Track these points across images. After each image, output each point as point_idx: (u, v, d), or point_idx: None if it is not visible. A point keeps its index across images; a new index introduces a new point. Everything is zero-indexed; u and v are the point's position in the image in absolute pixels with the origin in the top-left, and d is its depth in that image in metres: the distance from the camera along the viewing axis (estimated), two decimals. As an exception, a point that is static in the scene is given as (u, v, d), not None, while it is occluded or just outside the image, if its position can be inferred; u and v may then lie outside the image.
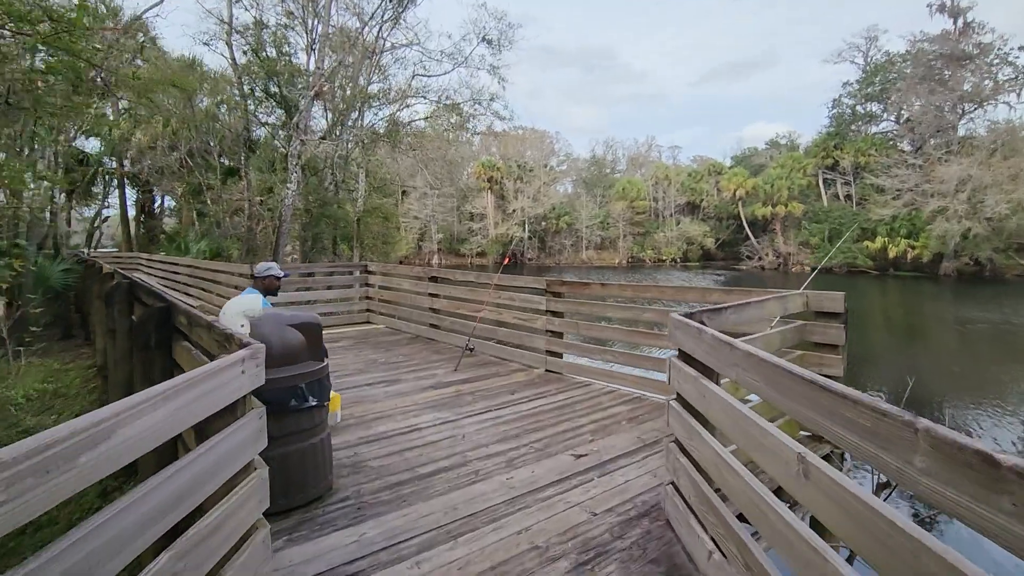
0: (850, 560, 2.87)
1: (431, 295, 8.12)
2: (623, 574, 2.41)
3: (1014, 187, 32.03)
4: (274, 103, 17.61)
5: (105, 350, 6.43)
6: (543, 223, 53.07)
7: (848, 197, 44.41)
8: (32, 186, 10.34)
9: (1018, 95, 36.78)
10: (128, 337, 4.11)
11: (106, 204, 26.52)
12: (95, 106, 15.54)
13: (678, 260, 51.97)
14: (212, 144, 18.95)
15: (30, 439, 1.07)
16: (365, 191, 18.01)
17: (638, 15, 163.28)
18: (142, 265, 18.91)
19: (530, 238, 52.41)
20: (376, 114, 18.71)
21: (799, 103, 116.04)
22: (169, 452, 2.51)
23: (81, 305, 12.21)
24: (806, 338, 3.92)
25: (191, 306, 3.26)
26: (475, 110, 18.60)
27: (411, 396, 5.25)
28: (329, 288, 10.12)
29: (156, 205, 25.59)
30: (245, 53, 16.86)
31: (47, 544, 1.14)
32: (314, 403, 3.03)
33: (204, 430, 1.85)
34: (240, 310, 2.57)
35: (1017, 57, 36.57)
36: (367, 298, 9.67)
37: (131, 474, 3.72)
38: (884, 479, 4.79)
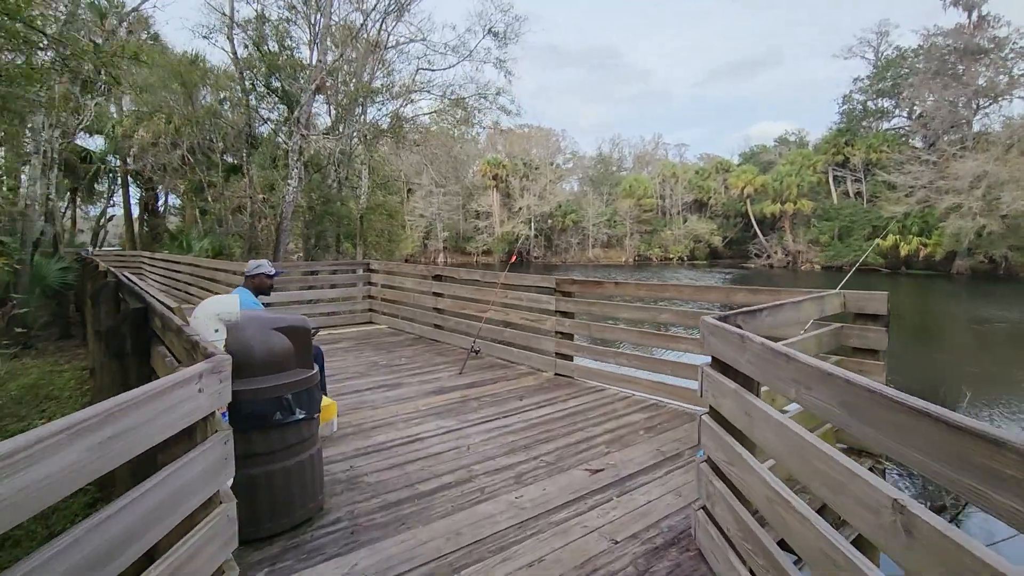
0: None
1: (435, 294, 7.80)
2: (652, 618, 2.09)
3: (1031, 183, 31.35)
4: (276, 98, 17.34)
5: (94, 352, 6.16)
6: (549, 221, 52.66)
7: (859, 194, 43.73)
8: (26, 182, 10.10)
9: (1034, 90, 36.05)
10: (103, 341, 3.82)
11: (111, 203, 26.44)
12: (95, 102, 15.35)
13: (685, 258, 51.45)
14: (214, 140, 18.72)
15: None
16: (368, 188, 17.70)
17: (636, 16, 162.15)
18: (145, 264, 18.71)
19: (536, 236, 52.01)
20: (379, 110, 18.43)
21: (806, 101, 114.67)
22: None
23: (81, 304, 12.01)
24: (843, 342, 3.58)
25: (168, 306, 2.96)
26: (480, 104, 18.26)
27: (413, 402, 4.95)
28: (333, 287, 9.84)
29: (159, 203, 25.42)
30: (246, 47, 16.59)
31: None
32: (302, 416, 2.72)
33: (157, 460, 1.54)
34: (214, 312, 2.26)
35: (1033, 51, 35.85)
36: (370, 297, 9.37)
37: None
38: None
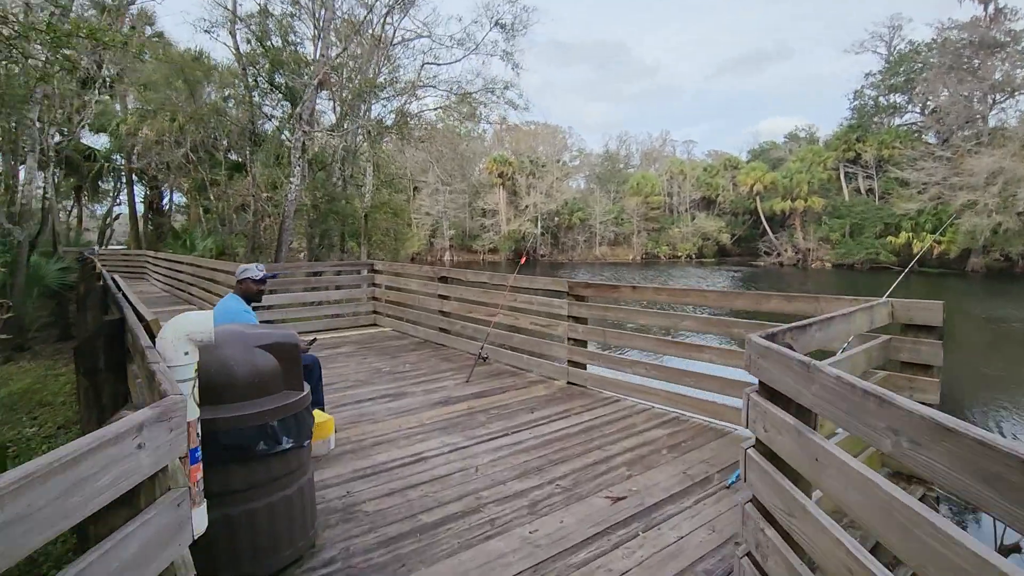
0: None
1: (441, 296, 7.49)
2: None
3: (1049, 180, 30.63)
4: (280, 95, 17.07)
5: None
6: (556, 219, 52.20)
7: (870, 191, 42.98)
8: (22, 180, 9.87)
9: (1052, 84, 35.21)
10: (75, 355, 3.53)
11: (117, 201, 26.34)
12: (96, 100, 15.13)
13: (693, 256, 50.88)
14: (218, 138, 18.49)
15: None
16: (373, 186, 17.39)
17: (641, 10, 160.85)
18: (149, 263, 18.53)
19: (543, 234, 51.58)
20: (384, 106, 18.11)
21: (812, 96, 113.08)
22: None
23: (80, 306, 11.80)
24: (891, 356, 3.24)
25: (143, 319, 2.66)
26: (487, 99, 17.90)
27: (417, 414, 4.64)
28: (338, 288, 9.54)
29: (164, 201, 25.27)
30: (249, 42, 16.33)
31: None
32: (290, 444, 2.41)
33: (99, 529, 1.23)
34: (183, 333, 1.94)
35: (1052, 44, 35.00)
36: (374, 299, 9.07)
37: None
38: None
